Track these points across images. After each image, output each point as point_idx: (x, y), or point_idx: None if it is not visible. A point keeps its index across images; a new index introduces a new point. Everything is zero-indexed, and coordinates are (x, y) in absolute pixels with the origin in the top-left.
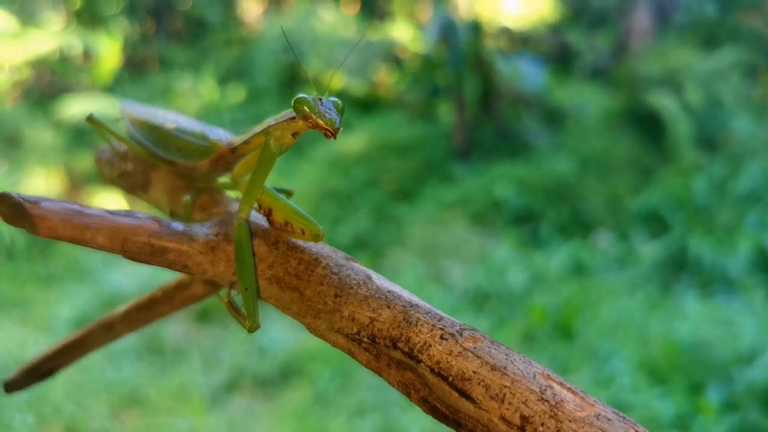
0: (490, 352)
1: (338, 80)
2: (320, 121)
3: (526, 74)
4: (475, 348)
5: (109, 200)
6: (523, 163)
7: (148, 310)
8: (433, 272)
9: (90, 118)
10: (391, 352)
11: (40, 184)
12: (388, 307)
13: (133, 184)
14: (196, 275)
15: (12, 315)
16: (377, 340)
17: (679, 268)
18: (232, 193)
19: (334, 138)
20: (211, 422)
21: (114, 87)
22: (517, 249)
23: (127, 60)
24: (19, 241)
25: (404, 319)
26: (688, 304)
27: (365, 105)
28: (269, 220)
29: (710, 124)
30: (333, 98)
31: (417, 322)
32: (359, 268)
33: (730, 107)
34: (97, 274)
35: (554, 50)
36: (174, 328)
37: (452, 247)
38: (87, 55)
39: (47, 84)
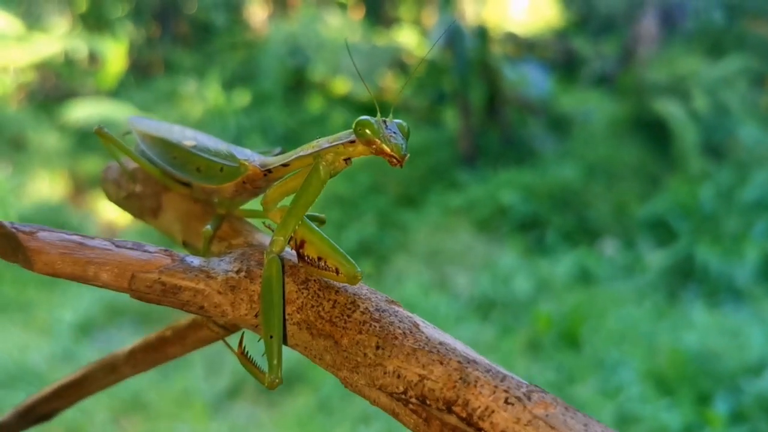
0: (565, 420)
1: (344, 85)
2: (386, 147)
3: (532, 80)
4: (547, 416)
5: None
6: (529, 170)
7: (156, 351)
8: (438, 279)
9: (99, 131)
10: (445, 417)
11: (43, 188)
12: (441, 363)
13: (141, 208)
14: (213, 317)
15: (14, 319)
16: (428, 402)
17: (685, 277)
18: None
19: (401, 166)
20: (213, 428)
21: (119, 91)
22: (523, 256)
23: (133, 64)
24: None
25: (461, 378)
26: (696, 313)
27: (370, 110)
28: (299, 254)
29: (717, 132)
30: (398, 120)
31: (476, 381)
32: (404, 313)
33: (736, 115)
34: None
35: (560, 56)
36: None
37: (457, 253)
38: (92, 58)
39: (52, 87)
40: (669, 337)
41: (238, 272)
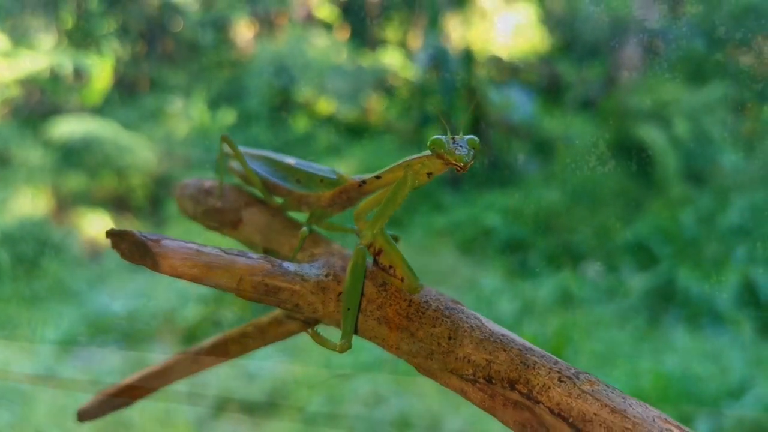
0: (607, 395)
1: (329, 106)
2: (450, 158)
3: (517, 104)
4: (593, 391)
5: (98, 222)
6: (513, 193)
7: (238, 344)
8: None
9: (225, 137)
10: (508, 393)
11: (26, 204)
12: (504, 350)
13: (221, 222)
14: (305, 314)
15: None
16: (493, 381)
17: (667, 301)
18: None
19: (465, 171)
20: None
21: (104, 108)
22: (506, 278)
23: (118, 81)
24: (4, 260)
25: (521, 362)
26: (677, 336)
27: (355, 131)
28: (375, 260)
29: (698, 158)
30: (469, 136)
31: (534, 364)
32: (469, 312)
33: (718, 141)
34: (82, 295)
35: (545, 81)
36: (159, 349)
37: (441, 275)
38: (78, 74)
39: (37, 103)
40: (651, 359)
41: (327, 276)
